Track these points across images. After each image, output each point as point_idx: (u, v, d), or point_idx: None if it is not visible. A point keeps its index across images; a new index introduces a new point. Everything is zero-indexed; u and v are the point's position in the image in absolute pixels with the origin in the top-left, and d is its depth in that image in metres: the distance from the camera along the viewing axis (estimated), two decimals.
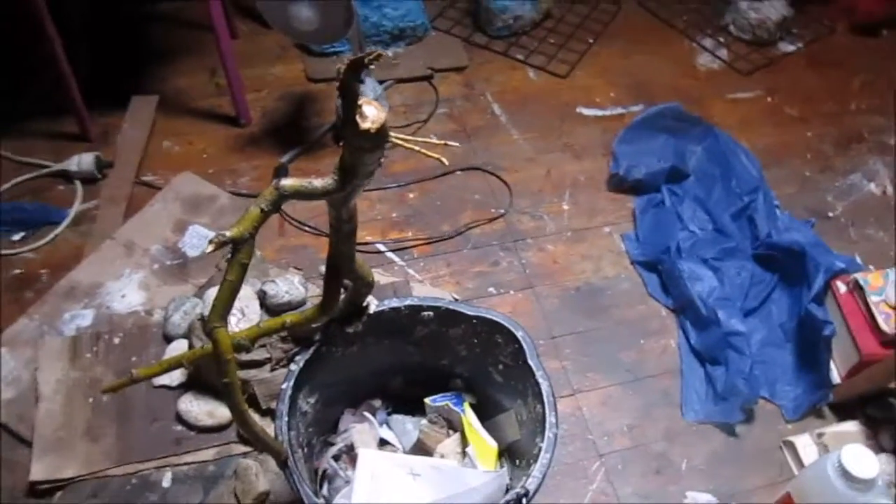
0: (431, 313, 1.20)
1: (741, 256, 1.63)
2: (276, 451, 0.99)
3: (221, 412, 1.33)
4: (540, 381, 1.12)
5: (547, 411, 1.09)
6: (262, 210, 0.83)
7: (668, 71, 2.12)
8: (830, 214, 1.80)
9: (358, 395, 1.33)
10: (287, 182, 0.83)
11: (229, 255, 0.83)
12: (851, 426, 1.39)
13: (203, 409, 1.33)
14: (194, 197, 1.71)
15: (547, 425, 1.08)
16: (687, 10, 2.31)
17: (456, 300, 1.55)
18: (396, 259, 1.65)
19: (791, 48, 2.20)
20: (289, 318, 1.09)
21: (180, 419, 1.34)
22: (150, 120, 1.84)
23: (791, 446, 1.38)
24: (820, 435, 1.37)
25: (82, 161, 1.70)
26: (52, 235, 1.61)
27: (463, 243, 1.69)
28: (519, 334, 1.16)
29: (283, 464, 1.00)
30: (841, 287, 1.45)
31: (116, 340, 1.44)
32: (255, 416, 1.25)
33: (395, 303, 1.19)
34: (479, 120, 1.96)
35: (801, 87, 2.10)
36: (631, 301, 1.61)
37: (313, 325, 1.13)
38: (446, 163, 0.79)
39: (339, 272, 1.07)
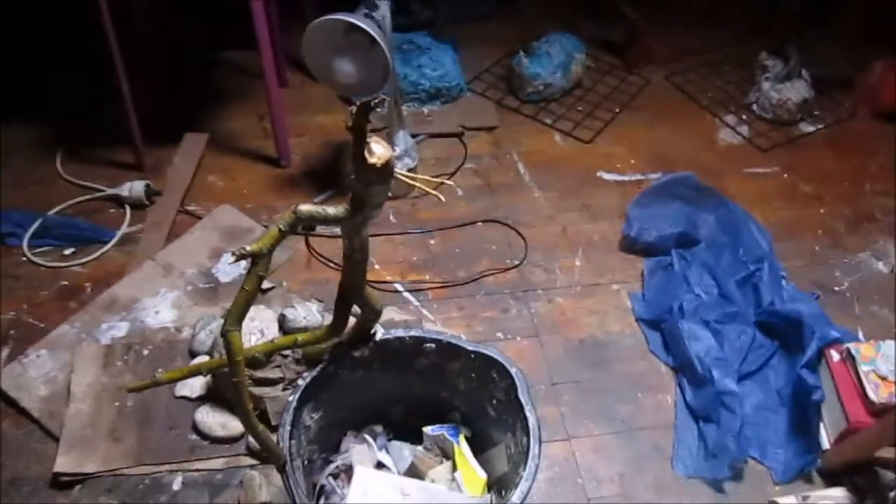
0: (433, 345, 1.29)
1: (743, 321, 1.69)
2: (275, 455, 1.08)
3: (234, 425, 1.42)
4: (528, 414, 1.20)
5: (531, 443, 1.17)
6: (279, 229, 0.94)
7: (689, 143, 2.22)
8: (837, 289, 1.85)
9: (362, 419, 1.41)
10: (303, 207, 0.94)
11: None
12: (838, 492, 1.42)
13: (217, 421, 1.43)
14: (231, 228, 1.84)
15: (530, 456, 1.15)
16: (713, 88, 2.42)
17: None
18: (412, 299, 1.75)
19: (811, 129, 2.29)
20: (300, 336, 1.20)
21: (196, 429, 1.44)
22: (199, 155, 2.00)
23: None
24: (805, 497, 1.40)
25: (134, 188, 1.86)
26: (99, 253, 1.76)
27: (476, 290, 1.78)
28: (512, 370, 1.24)
29: (281, 468, 1.09)
30: (834, 356, 1.50)
31: (146, 352, 1.56)
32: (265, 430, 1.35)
33: (400, 332, 1.29)
34: (504, 177, 2.08)
35: (818, 166, 2.17)
36: (632, 356, 1.68)
37: (322, 346, 1.23)
38: (443, 199, 0.90)
39: (350, 298, 1.18)
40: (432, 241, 1.88)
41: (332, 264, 1.79)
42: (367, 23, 1.64)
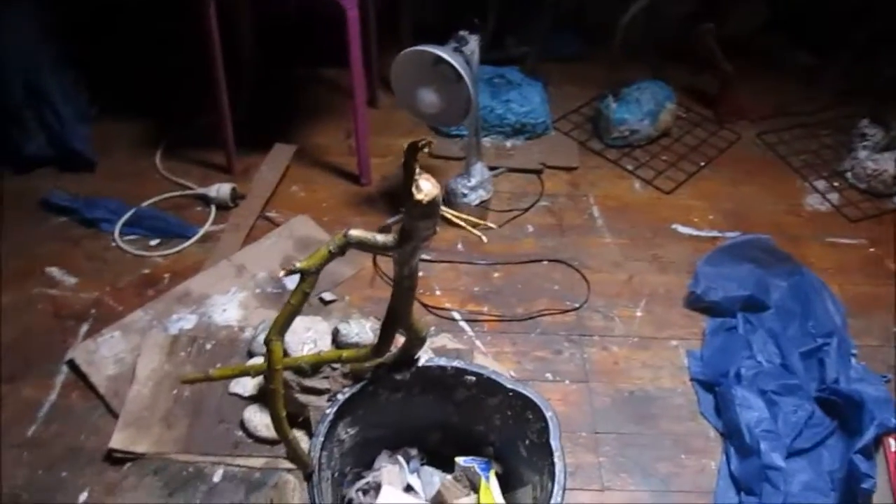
0: (474, 378, 1.31)
1: (802, 396, 1.63)
2: (304, 463, 1.13)
3: None
4: (556, 460, 1.20)
5: (555, 489, 1.17)
6: (329, 251, 0.99)
7: (773, 205, 2.16)
8: None
9: (398, 440, 1.44)
10: (354, 232, 0.99)
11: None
12: None
13: (263, 422, 1.49)
14: (306, 238, 1.92)
15: (552, 502, 1.16)
16: (806, 151, 2.35)
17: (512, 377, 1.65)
18: (468, 329, 1.77)
19: None
20: (345, 352, 1.25)
21: (243, 426, 1.50)
22: (285, 165, 2.10)
23: None
24: None
25: (221, 190, 1.97)
26: (181, 247, 1.88)
27: (532, 327, 1.79)
28: (547, 414, 1.25)
29: (307, 476, 1.13)
30: (893, 444, 1.44)
31: (208, 346, 1.65)
32: (305, 438, 1.41)
33: (442, 361, 1.31)
34: (577, 218, 2.08)
35: None
36: (681, 416, 1.64)
37: (366, 365, 1.27)
38: (485, 240, 0.92)
39: (396, 322, 1.21)
40: (496, 274, 1.91)
41: None
42: (455, 57, 1.69)
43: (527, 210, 2.09)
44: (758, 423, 1.54)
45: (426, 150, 0.85)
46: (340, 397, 1.24)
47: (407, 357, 1.29)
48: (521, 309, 1.83)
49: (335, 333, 1.55)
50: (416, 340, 1.25)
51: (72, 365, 1.61)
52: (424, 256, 1.89)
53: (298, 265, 0.97)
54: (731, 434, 1.58)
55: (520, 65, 2.42)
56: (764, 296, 1.82)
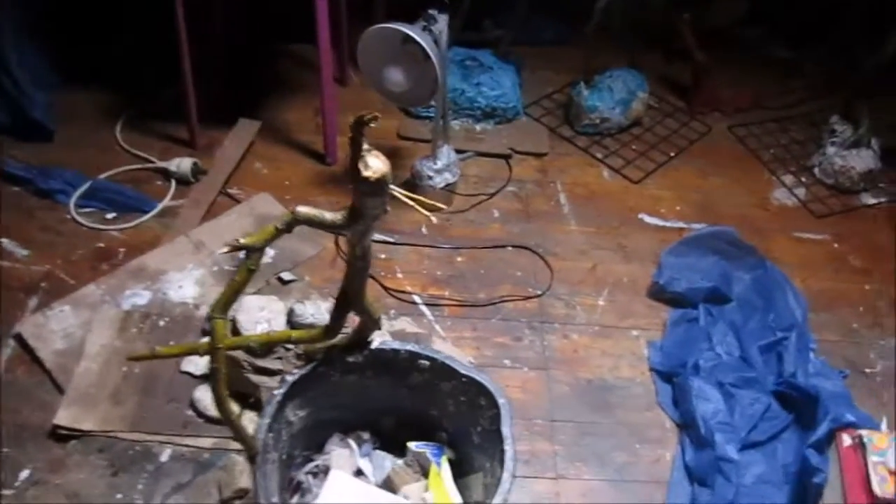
0: (427, 363, 1.29)
1: (759, 389, 1.63)
2: (248, 445, 1.10)
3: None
4: (506, 447, 1.19)
5: (504, 476, 1.16)
6: (276, 228, 0.96)
7: (741, 198, 2.16)
8: (868, 371, 1.76)
9: (351, 424, 1.42)
10: (302, 209, 0.96)
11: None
12: None
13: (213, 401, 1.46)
14: (266, 216, 1.89)
15: (499, 490, 1.14)
16: (776, 145, 2.35)
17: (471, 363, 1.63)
18: (428, 313, 1.75)
19: (872, 201, 2.19)
20: (295, 333, 1.22)
21: (193, 405, 1.47)
22: (249, 141, 2.06)
23: None
24: None
25: (182, 164, 1.92)
26: (138, 221, 1.84)
27: (493, 313, 1.77)
28: (500, 401, 1.23)
29: (251, 458, 1.11)
30: (846, 440, 1.44)
31: (162, 323, 1.61)
32: (256, 419, 1.38)
33: (395, 345, 1.29)
34: (544, 205, 2.07)
35: (873, 240, 2.08)
36: (638, 406, 1.64)
37: (318, 346, 1.25)
38: (434, 220, 0.90)
39: (349, 303, 1.19)
40: (459, 259, 1.88)
41: None
42: (423, 36, 1.66)
43: (493, 195, 2.07)
44: (714, 415, 1.54)
45: (372, 124, 0.82)
46: (289, 378, 1.21)
47: (360, 339, 1.26)
48: (483, 294, 1.81)
49: (290, 314, 1.52)
50: (370, 323, 1.23)
51: (19, 339, 1.57)
52: (387, 238, 1.87)
53: (243, 241, 0.94)
54: (688, 425, 1.58)
55: (494, 48, 2.38)
56: (727, 288, 1.82)
